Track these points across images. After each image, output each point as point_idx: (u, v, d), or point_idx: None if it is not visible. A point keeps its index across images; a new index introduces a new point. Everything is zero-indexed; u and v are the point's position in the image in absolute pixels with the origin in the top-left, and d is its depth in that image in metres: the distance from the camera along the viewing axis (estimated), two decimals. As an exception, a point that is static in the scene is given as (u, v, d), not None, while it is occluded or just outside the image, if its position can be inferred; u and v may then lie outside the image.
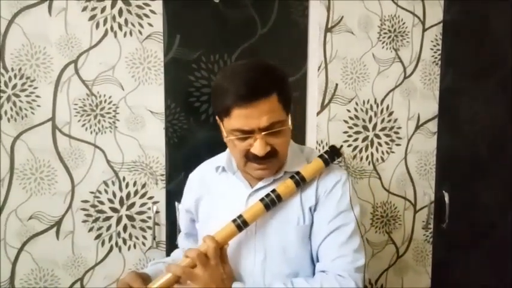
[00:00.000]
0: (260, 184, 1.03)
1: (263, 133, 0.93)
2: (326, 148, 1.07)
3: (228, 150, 1.11)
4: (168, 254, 1.46)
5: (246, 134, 0.94)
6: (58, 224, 1.40)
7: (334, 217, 0.98)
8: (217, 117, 1.03)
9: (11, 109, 1.34)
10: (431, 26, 1.59)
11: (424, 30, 1.58)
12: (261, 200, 0.98)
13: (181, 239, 1.26)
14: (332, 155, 1.02)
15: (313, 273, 1.00)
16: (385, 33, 1.55)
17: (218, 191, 1.10)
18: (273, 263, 1.00)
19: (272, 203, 0.97)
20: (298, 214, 1.00)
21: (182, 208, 1.21)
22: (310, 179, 1.00)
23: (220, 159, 1.13)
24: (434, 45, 1.60)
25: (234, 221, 0.96)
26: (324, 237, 0.98)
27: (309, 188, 1.02)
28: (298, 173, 1.00)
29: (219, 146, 1.47)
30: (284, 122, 0.97)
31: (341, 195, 1.00)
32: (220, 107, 0.96)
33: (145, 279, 1.01)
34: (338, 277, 0.93)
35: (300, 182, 0.99)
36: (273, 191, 0.98)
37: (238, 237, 1.00)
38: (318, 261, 1.00)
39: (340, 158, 1.05)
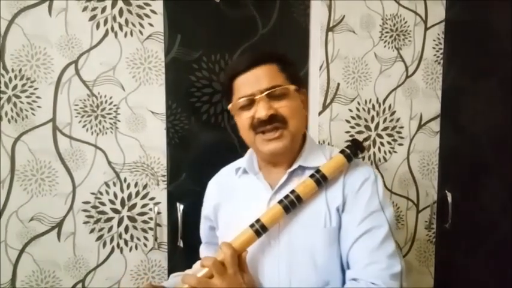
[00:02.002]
0: (279, 183, 0.98)
1: (264, 94, 0.93)
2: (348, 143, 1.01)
3: (248, 151, 1.09)
4: (170, 256, 1.45)
5: (248, 97, 0.95)
6: (59, 225, 1.39)
7: (364, 219, 0.90)
8: (231, 112, 1.03)
9: (12, 110, 1.34)
10: (434, 25, 1.58)
11: (426, 29, 1.58)
12: (280, 202, 0.91)
13: (202, 250, 1.21)
14: (355, 149, 0.95)
15: (344, 282, 0.92)
16: (387, 32, 1.55)
17: (238, 195, 1.05)
18: (300, 271, 0.92)
19: (292, 204, 0.90)
20: (324, 215, 0.93)
21: (202, 216, 1.17)
22: (332, 176, 0.94)
23: (240, 161, 1.10)
24: (437, 44, 1.59)
25: (252, 226, 0.90)
26: (353, 241, 0.90)
27: (334, 186, 0.95)
28: (318, 171, 0.93)
29: (221, 146, 1.47)
30: (289, 90, 0.96)
31: (370, 195, 0.93)
32: (226, 88, 1.00)
33: None
34: (371, 285, 0.85)
35: (321, 180, 0.92)
36: (292, 191, 0.92)
37: (260, 244, 0.94)
38: (348, 268, 0.92)
39: (363, 153, 0.99)
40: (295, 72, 1.02)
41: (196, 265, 1.19)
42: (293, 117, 0.96)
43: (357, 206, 0.93)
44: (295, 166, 0.98)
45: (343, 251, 0.92)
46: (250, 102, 0.95)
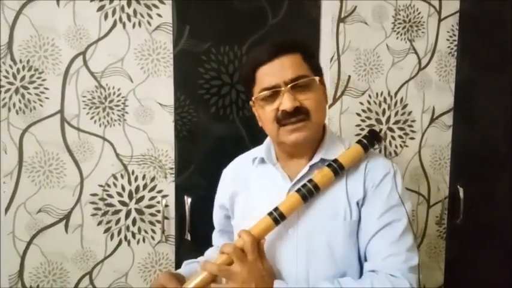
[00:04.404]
0: (299, 175, 0.97)
1: (289, 86, 0.91)
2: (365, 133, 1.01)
3: (266, 141, 1.07)
4: (177, 249, 1.45)
5: (273, 89, 0.92)
6: (67, 217, 1.39)
7: (384, 212, 0.92)
8: (250, 103, 1.01)
9: (20, 101, 1.33)
10: (448, 16, 1.54)
11: (440, 20, 1.54)
12: (298, 190, 0.92)
13: (215, 237, 1.20)
14: (371, 139, 0.96)
15: (361, 274, 0.93)
16: (399, 23, 1.51)
17: (255, 185, 1.04)
18: (318, 263, 0.93)
19: (309, 193, 0.91)
20: (344, 209, 0.93)
21: (216, 204, 1.16)
22: (349, 166, 0.94)
23: (257, 151, 1.08)
24: (451, 36, 1.55)
25: (270, 214, 0.91)
26: (373, 234, 0.91)
27: (355, 180, 0.95)
28: (335, 160, 0.93)
29: (229, 139, 1.46)
30: (314, 81, 0.95)
31: (390, 189, 0.94)
32: (246, 77, 0.97)
33: (180, 279, 0.96)
34: (390, 277, 0.86)
35: (338, 170, 0.93)
36: (310, 180, 0.92)
37: (278, 233, 0.94)
38: (366, 260, 0.93)
39: (380, 143, 0.99)
40: (317, 62, 1.01)
41: (209, 252, 1.18)
42: (317, 109, 0.94)
43: (377, 200, 0.93)
44: (316, 159, 0.97)
45: (361, 244, 0.93)
46: (274, 94, 0.93)
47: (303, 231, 0.94)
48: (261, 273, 0.87)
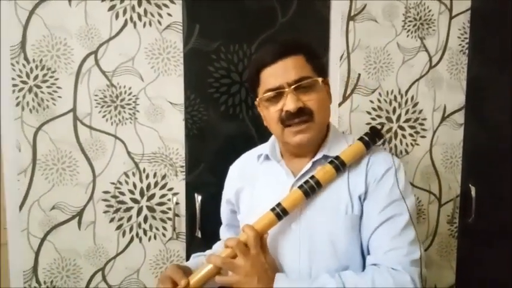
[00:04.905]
0: (302, 171, 0.99)
1: (292, 87, 0.93)
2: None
3: (271, 139, 1.09)
4: (188, 246, 1.46)
5: (276, 91, 0.94)
6: (80, 214, 1.41)
7: (386, 206, 0.92)
8: (256, 103, 1.02)
9: (33, 100, 1.35)
10: (459, 14, 1.53)
11: (451, 18, 1.53)
12: (300, 187, 0.94)
13: (222, 231, 1.23)
14: (373, 137, 0.97)
15: (363, 268, 0.94)
16: (410, 21, 1.50)
17: (260, 181, 1.06)
18: (320, 257, 0.94)
19: (311, 189, 0.93)
20: (346, 203, 0.95)
21: (223, 199, 1.19)
22: (350, 162, 0.96)
23: (263, 147, 1.11)
24: (462, 34, 1.54)
25: (273, 209, 0.93)
26: (375, 228, 0.92)
27: (357, 175, 0.97)
28: (337, 157, 0.95)
29: (239, 137, 1.46)
30: (317, 82, 0.96)
31: (392, 184, 0.94)
32: (251, 78, 1.01)
33: (187, 272, 0.98)
34: (391, 271, 0.87)
35: (340, 166, 0.94)
36: (312, 177, 0.94)
37: (282, 228, 0.96)
38: (368, 254, 0.94)
39: (381, 140, 1.00)
40: (321, 63, 1.02)
41: (216, 245, 1.21)
42: (320, 110, 0.96)
43: (379, 194, 0.94)
44: (319, 156, 0.99)
45: (364, 238, 0.94)
46: (278, 95, 0.95)
47: (306, 226, 0.96)
48: (264, 267, 0.89)
